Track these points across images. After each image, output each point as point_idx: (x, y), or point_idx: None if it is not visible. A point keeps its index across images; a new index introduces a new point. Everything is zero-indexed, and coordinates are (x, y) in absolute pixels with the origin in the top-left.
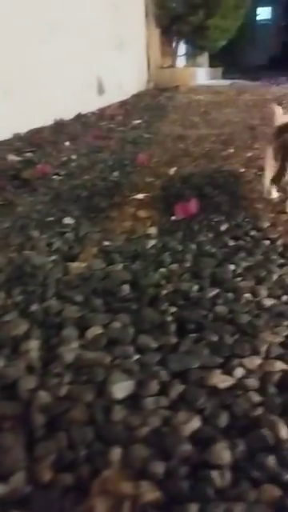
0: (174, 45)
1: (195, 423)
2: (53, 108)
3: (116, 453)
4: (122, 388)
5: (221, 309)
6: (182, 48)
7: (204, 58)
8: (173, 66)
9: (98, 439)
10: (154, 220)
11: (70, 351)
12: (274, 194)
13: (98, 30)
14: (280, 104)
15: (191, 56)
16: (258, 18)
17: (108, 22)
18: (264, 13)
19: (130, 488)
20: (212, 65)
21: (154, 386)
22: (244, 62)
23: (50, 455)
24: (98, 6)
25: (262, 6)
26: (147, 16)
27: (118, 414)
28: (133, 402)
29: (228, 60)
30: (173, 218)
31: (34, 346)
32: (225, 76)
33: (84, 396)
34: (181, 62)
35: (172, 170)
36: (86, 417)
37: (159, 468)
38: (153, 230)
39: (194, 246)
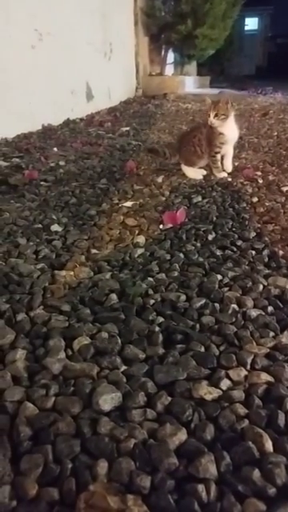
0: (162, 53)
1: (182, 436)
2: (41, 113)
3: (102, 466)
4: (109, 400)
5: (207, 319)
6: (171, 56)
7: (192, 67)
8: (161, 73)
9: (84, 452)
10: (141, 228)
11: (56, 362)
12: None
13: (88, 37)
14: (266, 113)
15: (179, 64)
16: (245, 28)
17: (98, 29)
18: (251, 23)
19: (117, 503)
20: (200, 73)
21: (141, 398)
22: (231, 72)
23: (35, 469)
24: (87, 13)
25: (250, 17)
26: (136, 24)
27: (105, 426)
28: (119, 414)
29: (216, 69)
30: (161, 226)
31: (20, 356)
32: (212, 85)
33: (70, 408)
34: (169, 69)
35: (160, 178)
36: (73, 429)
37: (146, 482)
38: (141, 239)
39: (181, 256)
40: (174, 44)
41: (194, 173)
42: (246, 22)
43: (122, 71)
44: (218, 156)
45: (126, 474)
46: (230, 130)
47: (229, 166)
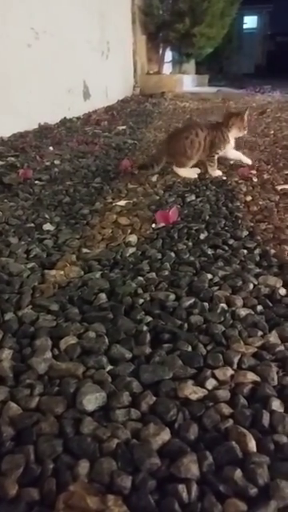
0: (160, 51)
1: (165, 436)
2: (38, 112)
3: (83, 466)
4: (93, 400)
5: (196, 318)
6: (169, 55)
7: (191, 65)
8: (159, 72)
9: (66, 452)
10: (134, 227)
11: (42, 362)
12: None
13: (85, 36)
14: (264, 112)
15: (177, 63)
16: (244, 26)
17: (95, 28)
18: (250, 21)
19: (96, 503)
20: (198, 72)
21: (126, 398)
22: (230, 70)
23: (16, 469)
24: (84, 12)
25: (249, 15)
26: (134, 23)
27: (88, 426)
28: (103, 413)
29: (214, 67)
30: (153, 225)
31: (6, 355)
32: (211, 83)
33: (54, 408)
34: (167, 68)
35: (155, 177)
36: (56, 429)
37: (126, 482)
38: (133, 238)
39: (172, 255)
40: (171, 42)
41: (188, 172)
42: (245, 21)
43: (120, 70)
44: (216, 156)
45: (107, 474)
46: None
47: (245, 158)
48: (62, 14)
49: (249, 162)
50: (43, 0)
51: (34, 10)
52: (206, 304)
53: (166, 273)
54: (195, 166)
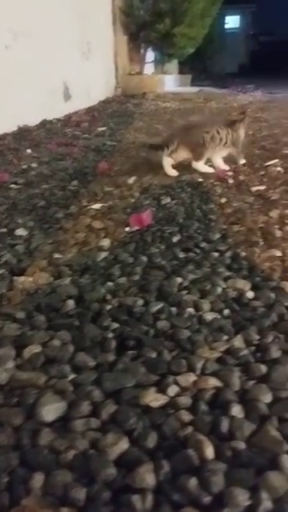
0: (141, 52)
1: (123, 445)
2: (17, 114)
3: (38, 479)
4: (52, 410)
5: (162, 324)
6: (151, 55)
7: (173, 65)
8: (141, 72)
9: (22, 465)
10: (108, 231)
11: (3, 372)
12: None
13: (65, 37)
14: (244, 112)
15: (159, 63)
16: (226, 26)
17: (75, 28)
18: (232, 21)
19: None
20: (182, 72)
21: (86, 407)
22: (214, 70)
23: None
24: (64, 12)
25: (231, 15)
26: (115, 23)
27: (45, 437)
28: (62, 424)
29: (198, 67)
30: (127, 229)
31: None
32: (194, 83)
33: (12, 419)
34: (149, 68)
35: (132, 179)
36: (12, 441)
37: (80, 494)
38: (106, 242)
39: (144, 259)
40: (153, 43)
41: (206, 168)
42: (227, 20)
43: (101, 70)
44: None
45: (61, 486)
46: None
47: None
48: (41, 15)
49: (226, 168)
50: (21, 1)
51: (12, 11)
52: (173, 309)
53: (137, 277)
54: (174, 168)
